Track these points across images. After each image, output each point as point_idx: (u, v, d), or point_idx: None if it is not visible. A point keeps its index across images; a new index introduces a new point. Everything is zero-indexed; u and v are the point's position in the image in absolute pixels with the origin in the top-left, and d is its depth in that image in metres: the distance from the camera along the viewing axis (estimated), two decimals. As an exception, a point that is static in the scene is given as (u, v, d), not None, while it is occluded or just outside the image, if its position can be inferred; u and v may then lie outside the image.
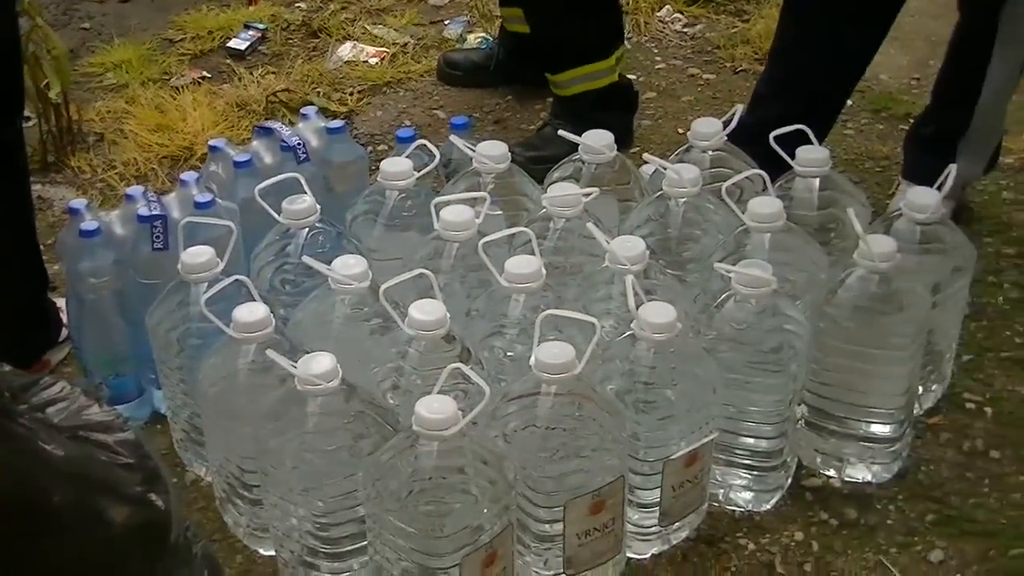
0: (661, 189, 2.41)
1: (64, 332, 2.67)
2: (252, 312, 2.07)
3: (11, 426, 1.46)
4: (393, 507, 1.83)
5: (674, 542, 2.17)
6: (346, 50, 4.06)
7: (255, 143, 2.73)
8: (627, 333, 2.05)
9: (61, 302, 2.69)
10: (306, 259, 2.18)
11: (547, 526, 1.98)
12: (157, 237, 2.40)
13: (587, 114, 3.18)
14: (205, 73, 3.98)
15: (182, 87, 3.87)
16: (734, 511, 2.25)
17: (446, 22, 4.27)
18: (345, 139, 2.77)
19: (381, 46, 4.10)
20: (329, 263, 2.17)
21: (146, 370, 2.46)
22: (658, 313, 2.02)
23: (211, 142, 2.73)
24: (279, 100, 3.76)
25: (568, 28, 3.28)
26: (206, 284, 2.18)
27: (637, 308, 2.03)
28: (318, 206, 2.35)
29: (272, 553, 2.16)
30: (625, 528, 2.07)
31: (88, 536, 1.50)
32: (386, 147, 3.48)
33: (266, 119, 3.54)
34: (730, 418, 2.16)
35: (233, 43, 4.15)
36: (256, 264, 2.38)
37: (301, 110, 2.87)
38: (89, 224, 2.42)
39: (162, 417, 2.45)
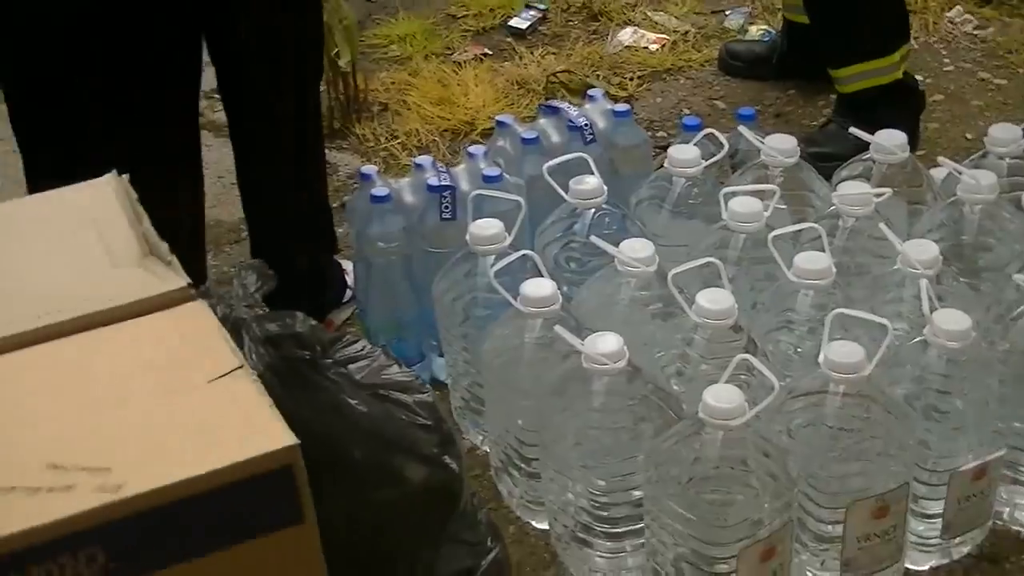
0: (955, 194, 2.34)
1: (348, 293, 2.74)
2: (540, 287, 2.08)
3: (319, 379, 1.49)
4: (674, 492, 1.82)
5: (955, 557, 2.11)
6: (626, 35, 4.05)
7: (542, 121, 2.74)
8: (918, 338, 2.00)
9: (346, 264, 2.75)
10: (594, 239, 2.19)
11: (828, 527, 1.95)
12: (446, 207, 2.43)
13: (870, 112, 3.11)
14: (486, 50, 4.02)
15: (464, 62, 3.92)
16: (1019, 532, 2.17)
17: (727, 12, 4.23)
18: (630, 123, 2.76)
19: (661, 33, 4.08)
20: (615, 245, 2.17)
21: (427, 336, 2.50)
22: (953, 320, 1.96)
23: (499, 118, 2.75)
24: (559, 81, 3.77)
25: (848, 22, 3.22)
26: (493, 256, 2.20)
27: (931, 313, 1.98)
28: (605, 187, 2.35)
29: (545, 526, 2.17)
30: (906, 537, 2.03)
31: (385, 493, 1.53)
32: (664, 134, 3.47)
33: (546, 99, 3.55)
34: (1020, 435, 2.09)
35: (514, 22, 4.18)
36: (541, 240, 2.39)
37: (588, 91, 2.87)
38: (380, 190, 2.46)
39: (440, 384, 2.49)
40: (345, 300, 2.76)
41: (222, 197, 3.27)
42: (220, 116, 3.52)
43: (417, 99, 3.69)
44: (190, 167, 2.46)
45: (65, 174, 1.55)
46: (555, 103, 2.79)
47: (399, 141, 3.49)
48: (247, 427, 1.15)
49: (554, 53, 3.97)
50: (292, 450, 1.13)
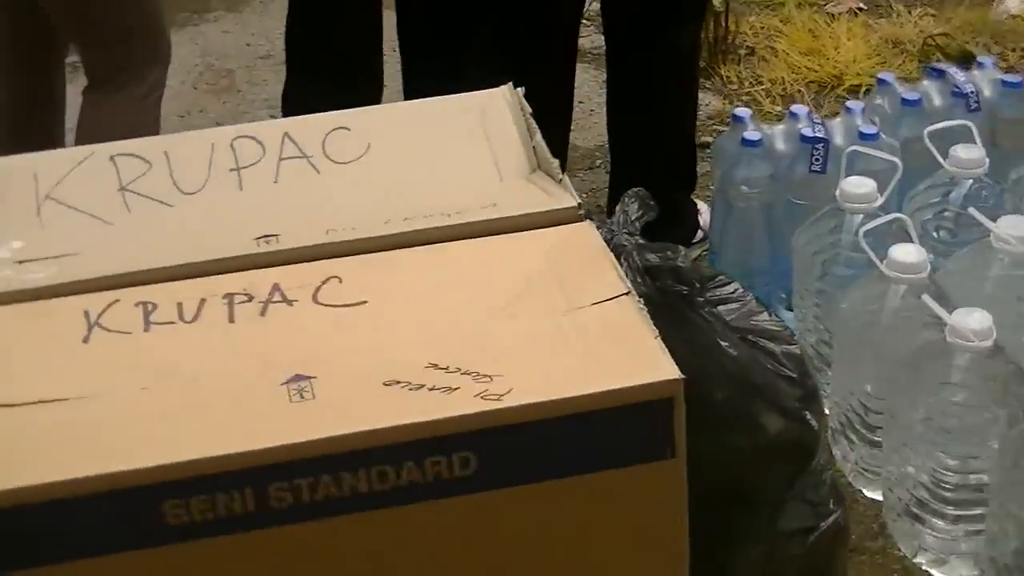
0: None
1: (699, 234, 2.71)
2: (909, 253, 2.01)
3: (693, 316, 1.47)
4: (1026, 483, 1.75)
5: None
6: (1015, 3, 3.88)
7: (925, 83, 2.65)
8: None
9: (700, 204, 2.73)
10: (972, 211, 2.11)
11: None
12: (816, 160, 2.38)
13: None
14: (862, 4, 3.91)
15: (837, 15, 3.83)
16: None
17: None
18: (1021, 95, 2.64)
19: (1055, 5, 3.90)
20: (991, 219, 2.09)
21: (777, 287, 2.45)
22: None
23: (880, 75, 2.67)
24: (935, 44, 3.64)
25: None
26: (862, 216, 2.14)
27: None
28: (987, 159, 2.26)
29: (877, 496, 2.11)
30: None
31: (741, 439, 1.50)
32: (1042, 111, 3.31)
33: (920, 62, 3.45)
34: None
35: (895, -22, 4.06)
36: (910, 206, 2.32)
37: (977, 58, 2.76)
38: (752, 134, 2.42)
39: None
40: (695, 240, 2.74)
41: (580, 122, 3.28)
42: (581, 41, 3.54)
43: (786, 47, 3.62)
44: (565, 88, 2.47)
45: (441, 87, 1.56)
46: (941, 66, 2.69)
47: (763, 87, 3.44)
48: (631, 354, 1.13)
49: (933, 15, 3.84)
50: (676, 384, 1.11)
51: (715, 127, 3.16)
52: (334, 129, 1.45)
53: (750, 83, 3.47)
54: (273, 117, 3.12)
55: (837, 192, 2.18)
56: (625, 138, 2.61)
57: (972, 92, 2.53)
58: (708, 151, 2.91)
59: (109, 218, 1.33)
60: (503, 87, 1.51)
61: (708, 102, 3.37)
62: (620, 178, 2.64)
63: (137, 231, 1.32)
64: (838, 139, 2.44)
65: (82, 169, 1.37)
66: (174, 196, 1.36)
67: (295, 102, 2.92)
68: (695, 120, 2.69)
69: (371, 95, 2.98)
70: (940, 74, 2.63)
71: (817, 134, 2.38)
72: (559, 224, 1.32)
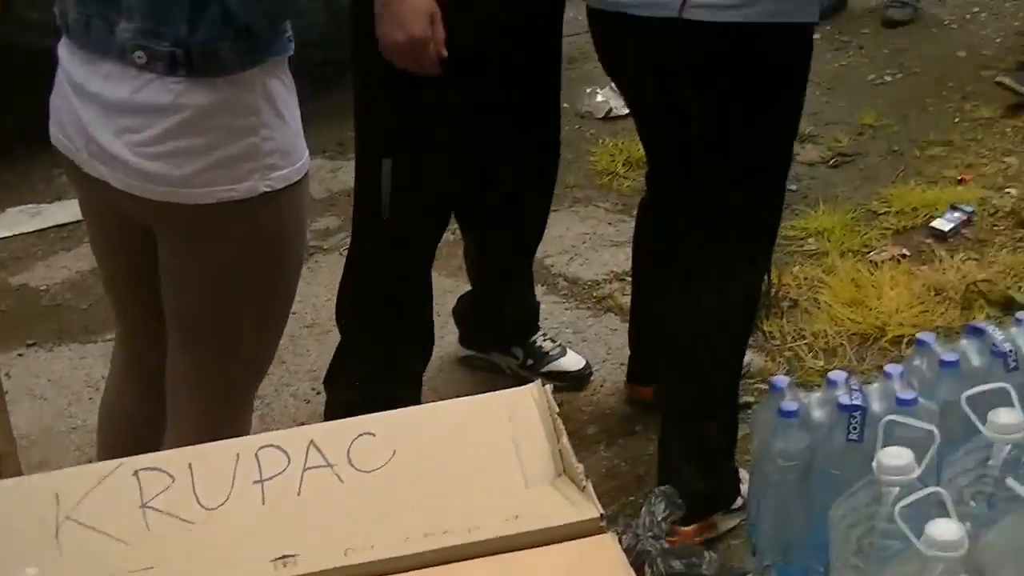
0: None
1: (739, 501, 2.68)
2: (946, 531, 1.97)
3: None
4: None
5: None
6: (1054, 247, 3.90)
7: (963, 342, 2.62)
8: None
9: (743, 473, 2.71)
10: (1010, 481, 2.07)
11: None
12: (854, 428, 2.35)
13: None
14: (905, 251, 3.93)
15: (880, 263, 3.84)
16: None
17: None
18: (1064, 353, 2.62)
19: (1098, 249, 3.91)
20: (1032, 487, 2.05)
21: (815, 562, 2.41)
22: None
23: (920, 336, 2.64)
24: (977, 290, 3.64)
25: None
26: (898, 488, 2.11)
27: None
28: (1025, 423, 2.23)
29: None
30: None
31: None
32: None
33: (962, 309, 3.45)
34: None
35: (937, 223, 4.08)
36: (948, 472, 2.28)
37: (1016, 315, 2.75)
38: (790, 404, 2.40)
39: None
40: (735, 507, 2.71)
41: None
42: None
43: (828, 298, 3.62)
44: None
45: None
46: (981, 324, 2.67)
47: (805, 342, 3.43)
48: None
49: (975, 259, 3.85)
50: None
51: (758, 386, 3.15)
52: (360, 435, 1.45)
53: (792, 338, 3.46)
54: (315, 389, 3.14)
55: (874, 463, 2.15)
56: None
57: (1011, 351, 2.51)
58: (750, 411, 2.90)
59: (127, 538, 1.34)
60: (532, 384, 1.51)
61: (750, 359, 3.35)
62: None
63: (153, 553, 1.32)
64: (876, 405, 2.41)
65: (105, 485, 1.39)
66: (195, 512, 1.37)
67: (344, 368, 2.94)
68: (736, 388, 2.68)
69: (421, 356, 3.02)
70: (979, 332, 2.61)
71: (855, 401, 2.36)
72: (581, 536, 1.31)
